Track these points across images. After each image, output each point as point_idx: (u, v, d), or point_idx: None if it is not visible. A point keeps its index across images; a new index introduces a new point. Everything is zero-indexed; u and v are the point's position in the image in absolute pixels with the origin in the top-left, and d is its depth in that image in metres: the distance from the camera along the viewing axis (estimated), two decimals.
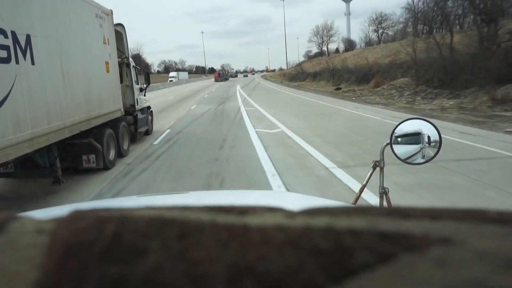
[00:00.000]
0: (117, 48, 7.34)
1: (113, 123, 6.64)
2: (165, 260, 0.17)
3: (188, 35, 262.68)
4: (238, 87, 37.47)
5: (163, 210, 0.20)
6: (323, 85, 29.63)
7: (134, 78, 8.17)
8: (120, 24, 7.69)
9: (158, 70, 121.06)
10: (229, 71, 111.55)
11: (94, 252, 0.17)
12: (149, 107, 9.64)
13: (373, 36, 61.53)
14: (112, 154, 6.28)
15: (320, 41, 75.13)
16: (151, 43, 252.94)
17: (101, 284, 0.16)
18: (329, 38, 74.39)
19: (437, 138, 1.46)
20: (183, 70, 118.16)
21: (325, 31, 74.38)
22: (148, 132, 9.40)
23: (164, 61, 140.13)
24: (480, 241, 0.17)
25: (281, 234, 0.18)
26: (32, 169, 4.91)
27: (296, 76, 45.48)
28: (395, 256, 0.17)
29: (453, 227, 0.18)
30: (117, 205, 0.22)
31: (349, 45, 64.28)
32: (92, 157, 5.56)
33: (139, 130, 8.37)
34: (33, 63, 4.11)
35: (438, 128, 1.47)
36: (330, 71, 31.06)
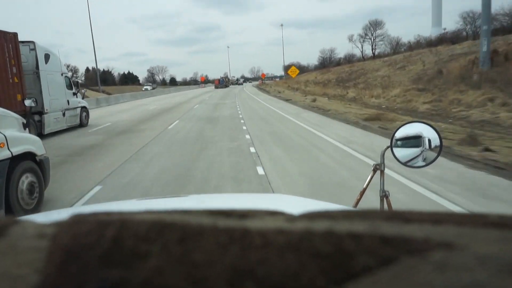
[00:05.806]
0: None
1: None
2: (165, 263, 0.17)
3: (134, 42, 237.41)
4: None
5: (163, 214, 0.20)
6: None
7: None
8: None
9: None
10: (231, 78, 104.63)
11: (94, 256, 0.17)
12: (22, 156, 3.80)
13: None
14: None
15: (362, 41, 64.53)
16: (95, 50, 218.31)
17: None
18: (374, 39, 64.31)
19: (438, 141, 1.46)
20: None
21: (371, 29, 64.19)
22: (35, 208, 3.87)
23: None
24: (481, 245, 0.17)
25: (281, 237, 0.18)
26: None
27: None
28: (396, 260, 0.17)
29: (454, 232, 0.18)
30: (117, 209, 0.22)
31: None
32: None
33: None
34: None
35: (438, 131, 1.47)
36: None
